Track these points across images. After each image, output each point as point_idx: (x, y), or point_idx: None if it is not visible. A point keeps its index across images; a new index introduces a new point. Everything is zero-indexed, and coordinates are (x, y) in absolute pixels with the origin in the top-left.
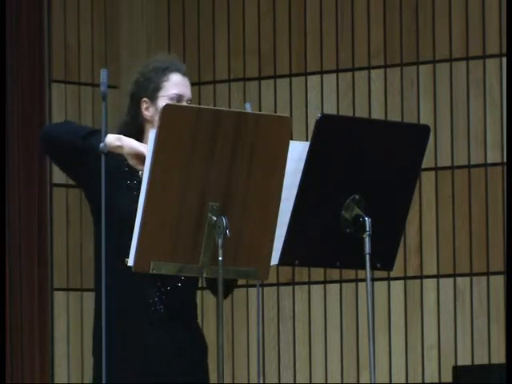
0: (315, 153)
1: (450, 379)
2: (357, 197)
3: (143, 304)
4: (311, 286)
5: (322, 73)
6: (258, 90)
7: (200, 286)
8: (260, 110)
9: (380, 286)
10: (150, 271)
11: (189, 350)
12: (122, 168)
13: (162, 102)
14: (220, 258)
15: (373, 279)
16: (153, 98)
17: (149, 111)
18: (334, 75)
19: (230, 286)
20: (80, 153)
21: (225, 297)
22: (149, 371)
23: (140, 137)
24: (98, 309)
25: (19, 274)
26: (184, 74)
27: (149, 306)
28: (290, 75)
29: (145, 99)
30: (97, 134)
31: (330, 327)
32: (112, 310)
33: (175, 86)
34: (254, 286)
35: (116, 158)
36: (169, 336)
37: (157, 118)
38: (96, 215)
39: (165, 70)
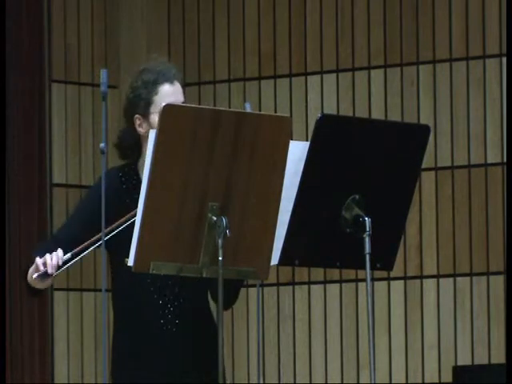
0: (315, 153)
1: (450, 379)
2: (357, 197)
3: (157, 307)
4: (311, 285)
5: (322, 73)
6: (258, 90)
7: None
8: (260, 110)
9: (380, 286)
10: (150, 271)
11: (201, 350)
12: (121, 188)
13: (153, 117)
14: (220, 258)
15: (373, 279)
16: (145, 115)
17: (142, 127)
18: (334, 75)
19: (230, 300)
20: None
21: (228, 308)
22: (161, 374)
23: (138, 152)
24: (116, 319)
25: (19, 274)
26: (173, 81)
27: (162, 324)
28: (290, 75)
29: (137, 116)
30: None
31: (329, 327)
32: (126, 314)
33: (163, 98)
34: (254, 285)
35: (115, 180)
36: (182, 338)
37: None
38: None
39: (154, 84)
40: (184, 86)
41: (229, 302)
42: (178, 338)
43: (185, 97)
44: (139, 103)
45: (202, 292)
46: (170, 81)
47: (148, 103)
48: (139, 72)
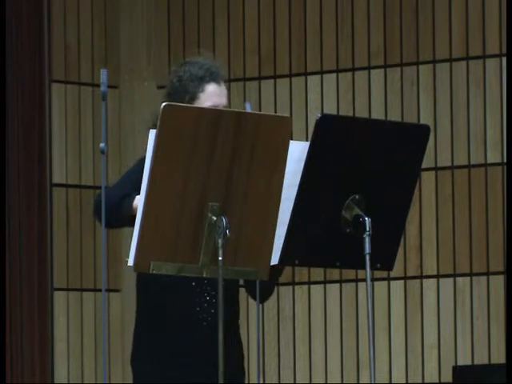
0: (315, 153)
1: (449, 379)
2: (357, 197)
3: (194, 295)
4: (311, 286)
5: (322, 73)
6: (258, 90)
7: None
8: (260, 110)
9: (380, 286)
10: (150, 271)
11: (229, 354)
12: None
13: None
14: (220, 258)
15: (373, 279)
16: None
17: None
18: (334, 75)
19: (266, 292)
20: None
21: (263, 301)
22: (190, 374)
23: None
24: (140, 317)
25: (19, 274)
26: (220, 82)
27: (198, 312)
28: (290, 75)
29: None
30: (128, 198)
31: (329, 327)
32: (158, 314)
33: (210, 97)
34: None
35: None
36: (215, 330)
37: None
38: None
39: (201, 80)
40: (227, 88)
41: (267, 293)
42: (211, 329)
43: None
44: (185, 95)
45: (237, 284)
46: (217, 81)
47: (193, 98)
48: (185, 63)
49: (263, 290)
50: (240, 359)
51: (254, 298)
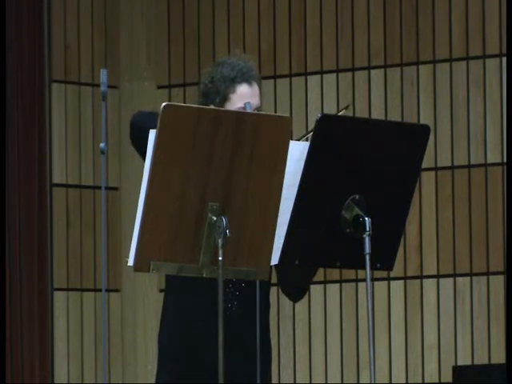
0: (315, 153)
1: (449, 379)
2: (357, 197)
3: (215, 299)
4: (311, 285)
5: (322, 73)
6: None
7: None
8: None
9: (380, 286)
10: (150, 271)
11: (253, 350)
12: None
13: None
14: (220, 258)
15: (373, 279)
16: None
17: None
18: (334, 75)
19: (300, 291)
20: None
21: (297, 300)
22: (214, 370)
23: None
24: (166, 301)
25: (19, 274)
26: (251, 83)
27: (223, 289)
28: (290, 75)
29: (212, 107)
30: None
31: (329, 327)
32: (182, 301)
33: (241, 99)
34: None
35: None
36: (238, 334)
37: None
38: None
39: (232, 81)
40: (261, 87)
41: (301, 293)
42: (232, 321)
43: (261, 99)
44: (216, 97)
45: (266, 282)
46: (249, 82)
47: (224, 99)
48: (218, 64)
49: (296, 289)
50: (264, 357)
51: (289, 297)
